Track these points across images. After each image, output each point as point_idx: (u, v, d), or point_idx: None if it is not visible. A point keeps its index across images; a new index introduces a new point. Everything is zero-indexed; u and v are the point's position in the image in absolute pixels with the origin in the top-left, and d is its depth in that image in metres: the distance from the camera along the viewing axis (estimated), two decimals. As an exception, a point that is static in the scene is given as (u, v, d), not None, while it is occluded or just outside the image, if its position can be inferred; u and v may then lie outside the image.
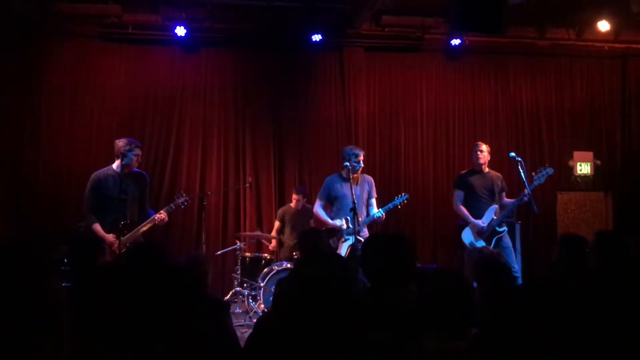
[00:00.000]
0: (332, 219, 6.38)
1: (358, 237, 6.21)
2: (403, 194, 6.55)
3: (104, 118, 8.25)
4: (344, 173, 6.41)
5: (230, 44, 8.58)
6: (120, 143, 5.93)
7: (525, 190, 6.25)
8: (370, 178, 6.67)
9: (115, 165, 5.92)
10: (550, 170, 6.43)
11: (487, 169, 6.72)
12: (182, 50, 8.45)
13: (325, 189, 6.54)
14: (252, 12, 8.07)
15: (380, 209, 6.36)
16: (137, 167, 6.06)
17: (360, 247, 5.96)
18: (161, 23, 8.07)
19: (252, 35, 8.48)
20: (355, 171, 6.31)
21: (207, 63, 8.57)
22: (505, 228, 6.48)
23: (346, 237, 6.29)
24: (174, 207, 6.15)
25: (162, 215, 5.90)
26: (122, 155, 5.84)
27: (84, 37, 8.19)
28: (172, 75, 8.46)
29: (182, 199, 6.19)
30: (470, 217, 6.51)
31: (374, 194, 6.58)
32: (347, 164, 6.24)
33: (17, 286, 1.48)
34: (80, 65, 8.22)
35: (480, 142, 6.86)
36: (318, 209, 6.50)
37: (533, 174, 6.48)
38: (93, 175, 5.93)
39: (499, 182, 6.69)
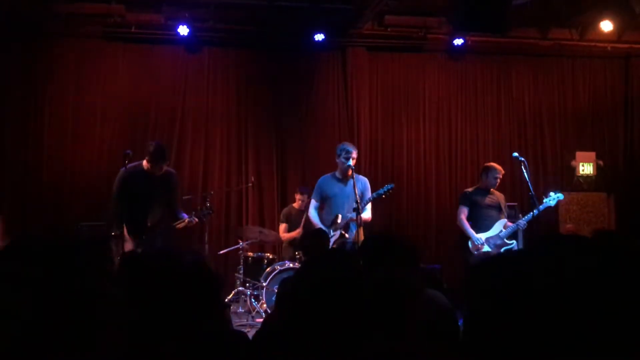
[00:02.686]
0: (321, 218, 6.26)
1: (344, 233, 6.09)
2: (388, 183, 6.26)
3: (107, 117, 8.25)
4: (337, 173, 6.28)
5: (232, 44, 8.59)
6: (152, 148, 5.77)
7: (521, 219, 6.35)
8: (365, 179, 6.41)
9: (145, 162, 5.80)
10: (560, 196, 6.50)
11: (492, 189, 6.74)
12: (185, 49, 8.45)
13: (317, 189, 6.38)
14: (255, 12, 8.07)
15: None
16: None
17: (348, 246, 5.93)
18: (164, 22, 8.07)
19: (255, 34, 8.48)
20: (344, 168, 6.13)
21: (209, 62, 8.57)
22: (514, 242, 6.50)
23: (333, 233, 6.09)
24: (199, 217, 5.99)
25: (195, 220, 5.89)
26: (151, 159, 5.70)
27: (87, 37, 8.20)
28: (174, 75, 8.46)
29: (206, 212, 6.05)
30: (472, 231, 6.47)
31: (369, 195, 6.27)
32: (341, 160, 6.09)
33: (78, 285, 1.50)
34: (84, 65, 8.23)
35: (498, 167, 6.67)
36: (312, 211, 6.35)
37: (543, 196, 6.56)
38: (120, 171, 5.77)
39: (502, 202, 6.70)
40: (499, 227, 6.48)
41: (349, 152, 6.12)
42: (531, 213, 6.21)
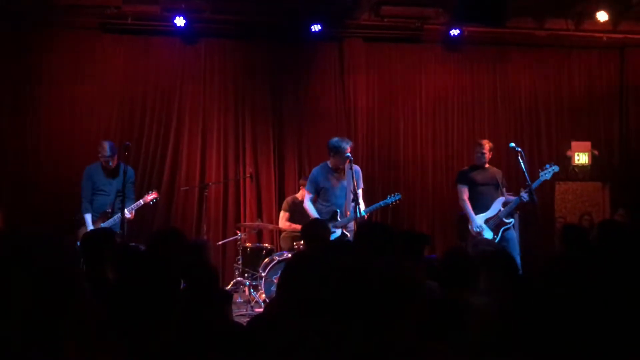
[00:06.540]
0: (318, 210, 6.29)
1: (345, 232, 6.17)
2: (395, 193, 6.39)
3: (104, 108, 8.25)
4: (330, 164, 6.34)
5: (229, 35, 8.58)
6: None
7: (523, 192, 6.30)
8: (358, 168, 6.42)
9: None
10: (556, 168, 6.53)
11: (487, 165, 6.77)
12: (182, 40, 8.43)
13: (312, 182, 6.41)
14: (252, 3, 8.07)
15: (364, 209, 6.10)
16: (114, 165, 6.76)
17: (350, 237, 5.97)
18: (160, 14, 8.05)
19: (252, 25, 8.47)
20: (343, 160, 6.15)
21: (206, 53, 8.56)
22: (512, 220, 6.53)
23: (333, 230, 6.18)
24: (142, 202, 6.61)
25: (130, 216, 6.52)
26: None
27: (83, 28, 8.18)
28: (171, 66, 8.45)
29: (151, 196, 6.68)
30: (473, 213, 6.52)
31: (361, 185, 6.35)
32: (339, 156, 6.18)
33: (52, 277, 1.52)
34: (80, 56, 8.20)
35: (483, 142, 6.78)
36: (307, 203, 6.39)
37: (539, 170, 6.56)
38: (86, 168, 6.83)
39: (499, 178, 6.73)
40: (498, 205, 6.50)
41: (345, 149, 6.18)
42: (530, 187, 6.24)
